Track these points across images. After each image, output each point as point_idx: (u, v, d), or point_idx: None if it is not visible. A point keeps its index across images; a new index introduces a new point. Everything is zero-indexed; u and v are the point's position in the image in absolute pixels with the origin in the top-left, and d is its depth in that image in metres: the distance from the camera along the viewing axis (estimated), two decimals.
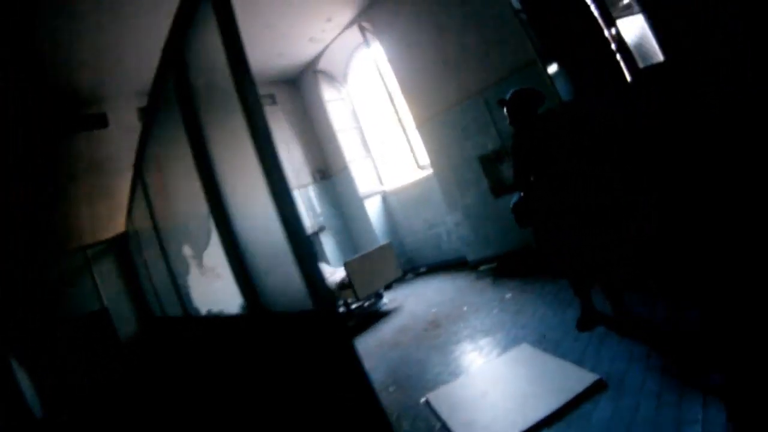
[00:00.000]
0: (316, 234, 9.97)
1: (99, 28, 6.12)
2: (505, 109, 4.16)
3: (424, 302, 6.88)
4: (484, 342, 4.37)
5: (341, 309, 7.20)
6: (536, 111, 4.06)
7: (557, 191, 3.79)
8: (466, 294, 6.38)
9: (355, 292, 6.68)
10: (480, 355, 4.14)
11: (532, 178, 3.96)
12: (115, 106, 8.23)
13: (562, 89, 5.51)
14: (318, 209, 10.30)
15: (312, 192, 10.28)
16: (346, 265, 6.74)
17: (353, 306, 7.20)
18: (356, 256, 7.43)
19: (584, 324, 3.84)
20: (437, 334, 5.19)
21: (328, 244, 10.08)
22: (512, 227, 6.82)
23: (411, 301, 7.26)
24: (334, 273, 7.52)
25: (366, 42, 8.96)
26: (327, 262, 9.72)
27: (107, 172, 7.89)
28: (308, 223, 9.94)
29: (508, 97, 4.12)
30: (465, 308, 5.70)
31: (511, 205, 4.13)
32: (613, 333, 3.57)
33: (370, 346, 5.83)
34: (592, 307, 3.93)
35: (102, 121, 8.19)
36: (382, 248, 7.44)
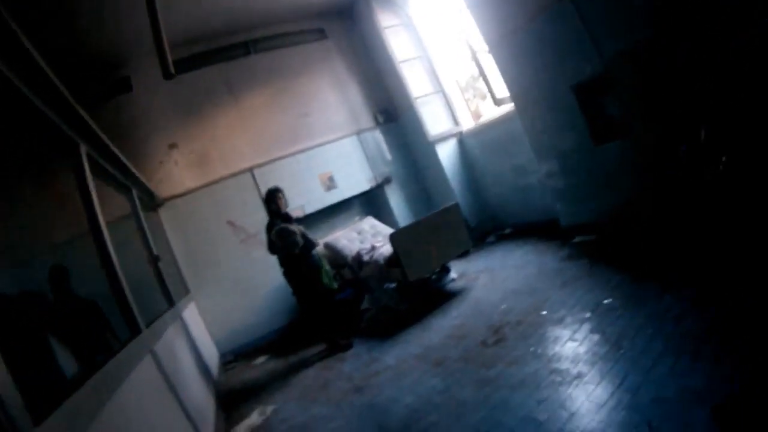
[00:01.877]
0: (380, 186, 8.49)
1: None
2: None
3: (496, 287, 5.23)
4: (553, 401, 2.72)
5: (392, 285, 5.75)
6: None
7: None
8: (551, 282, 4.63)
9: (404, 274, 5.19)
10: None
11: None
12: (138, 66, 7.23)
13: None
14: (386, 156, 8.75)
15: (374, 137, 8.72)
16: (393, 239, 5.23)
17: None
18: (408, 224, 5.89)
19: None
20: (495, 355, 3.59)
21: (395, 197, 8.57)
22: (618, 186, 4.92)
23: (482, 282, 5.64)
24: (384, 244, 6.05)
25: None
26: (393, 221, 8.26)
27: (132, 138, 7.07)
28: (370, 174, 8.45)
29: None
30: (544, 312, 3.99)
31: None
32: None
33: (409, 353, 4.45)
34: None
35: (126, 85, 7.21)
36: (444, 212, 5.76)
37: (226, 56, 7.97)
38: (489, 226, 7.95)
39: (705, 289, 3.18)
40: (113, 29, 6.20)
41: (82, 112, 3.27)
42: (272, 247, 5.40)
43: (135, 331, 3.12)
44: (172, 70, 4.13)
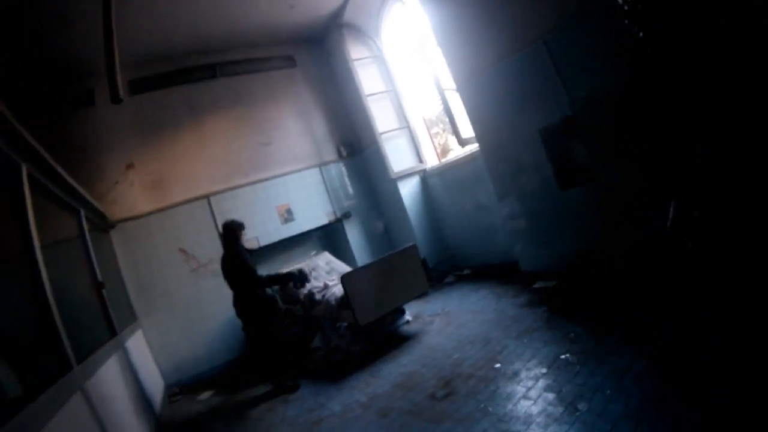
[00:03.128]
0: (339, 221, 8.23)
1: None
2: None
3: (451, 333, 4.98)
4: None
5: (344, 325, 5.45)
6: None
7: None
8: (508, 331, 4.40)
9: (354, 317, 4.89)
10: None
11: None
12: (103, 79, 6.95)
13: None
14: (350, 190, 8.53)
15: (336, 170, 8.51)
16: (344, 281, 4.94)
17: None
18: (362, 265, 5.65)
19: None
20: (444, 411, 3.30)
21: (354, 233, 8.31)
22: (582, 232, 4.78)
23: (437, 327, 5.38)
24: (337, 283, 5.74)
25: None
26: (351, 257, 7.98)
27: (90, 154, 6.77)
28: (329, 208, 8.19)
29: None
30: (498, 365, 3.74)
31: None
32: None
33: (356, 400, 4.13)
34: None
35: (89, 98, 6.86)
36: (401, 254, 5.54)
37: (191, 78, 7.73)
38: (448, 266, 7.75)
39: (668, 346, 2.98)
40: (80, 36, 5.86)
41: (25, 133, 3.01)
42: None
43: (64, 367, 2.81)
44: (122, 94, 3.83)
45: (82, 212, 4.95)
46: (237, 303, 5.16)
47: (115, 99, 3.53)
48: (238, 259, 5.03)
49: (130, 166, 6.95)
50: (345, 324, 5.46)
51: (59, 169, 3.86)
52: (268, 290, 5.40)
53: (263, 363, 5.31)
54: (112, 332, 4.71)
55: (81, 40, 5.91)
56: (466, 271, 7.39)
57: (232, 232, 5.20)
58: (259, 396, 5.21)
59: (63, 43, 5.96)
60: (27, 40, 5.47)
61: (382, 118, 8.02)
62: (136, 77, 7.17)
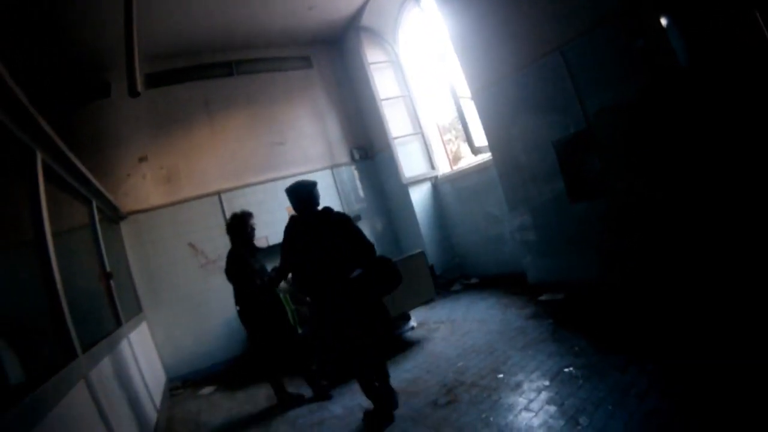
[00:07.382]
0: None
1: None
2: None
3: (456, 341, 4.97)
4: None
5: None
6: None
7: None
8: (513, 342, 4.39)
9: None
10: None
11: None
12: (120, 72, 7.03)
13: (678, 47, 3.63)
14: (360, 194, 8.55)
15: (347, 173, 8.54)
16: None
17: None
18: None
19: None
20: (445, 418, 3.29)
21: None
22: (591, 246, 4.77)
23: (441, 334, 5.37)
24: None
25: None
26: None
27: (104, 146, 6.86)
28: (340, 210, 8.19)
29: None
30: (501, 375, 3.74)
31: None
32: None
33: (357, 403, 4.13)
34: None
35: (105, 90, 6.94)
36: (408, 260, 5.54)
37: (208, 74, 7.81)
38: (455, 273, 7.74)
39: (672, 364, 2.97)
40: (99, 28, 5.94)
41: (40, 119, 3.03)
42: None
43: (69, 355, 2.82)
44: (139, 88, 3.87)
45: (94, 203, 5.00)
46: (238, 302, 5.00)
47: (133, 92, 3.58)
48: (238, 260, 4.63)
49: (142, 159, 7.03)
50: None
51: (73, 158, 3.90)
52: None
53: (261, 366, 5.23)
54: (118, 323, 4.74)
55: (100, 32, 5.99)
56: (474, 280, 7.38)
57: (233, 227, 4.79)
58: (261, 395, 5.22)
59: (82, 34, 6.03)
60: (47, 30, 5.57)
61: (395, 122, 8.06)
62: (153, 71, 7.26)
